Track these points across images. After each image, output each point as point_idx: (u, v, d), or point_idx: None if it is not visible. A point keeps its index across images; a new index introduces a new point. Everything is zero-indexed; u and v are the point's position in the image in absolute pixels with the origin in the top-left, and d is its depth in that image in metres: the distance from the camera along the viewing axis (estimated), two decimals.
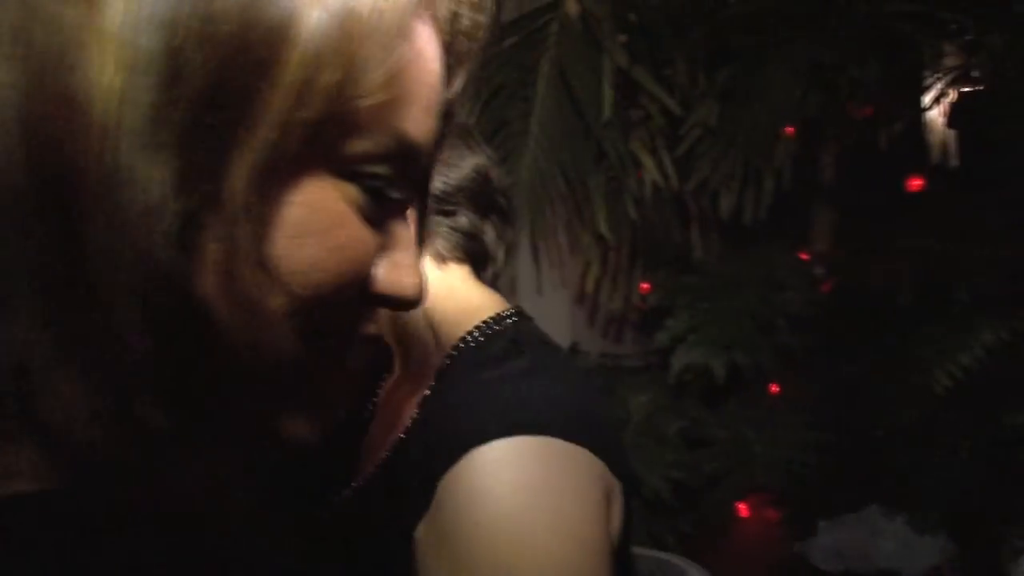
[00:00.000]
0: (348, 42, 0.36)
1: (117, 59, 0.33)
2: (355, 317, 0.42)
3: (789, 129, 2.14)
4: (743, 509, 2.23)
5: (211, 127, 0.34)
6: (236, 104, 0.35)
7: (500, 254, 1.09)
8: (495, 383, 0.90)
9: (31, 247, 0.33)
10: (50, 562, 0.34)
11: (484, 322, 0.98)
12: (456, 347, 0.96)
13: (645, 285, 2.28)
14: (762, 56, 1.91)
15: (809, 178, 2.32)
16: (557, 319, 2.47)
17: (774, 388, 2.11)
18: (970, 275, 1.92)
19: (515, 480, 0.70)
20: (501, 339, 0.98)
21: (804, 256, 2.18)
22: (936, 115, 2.17)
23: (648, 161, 2.02)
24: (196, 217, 0.34)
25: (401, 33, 0.38)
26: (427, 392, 0.95)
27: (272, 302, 0.37)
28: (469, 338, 0.96)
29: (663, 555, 1.32)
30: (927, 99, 2.08)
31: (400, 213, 0.42)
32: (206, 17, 0.34)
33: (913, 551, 1.84)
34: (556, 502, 0.76)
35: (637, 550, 1.39)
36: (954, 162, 2.17)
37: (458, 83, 0.43)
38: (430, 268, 1.03)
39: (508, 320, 1.02)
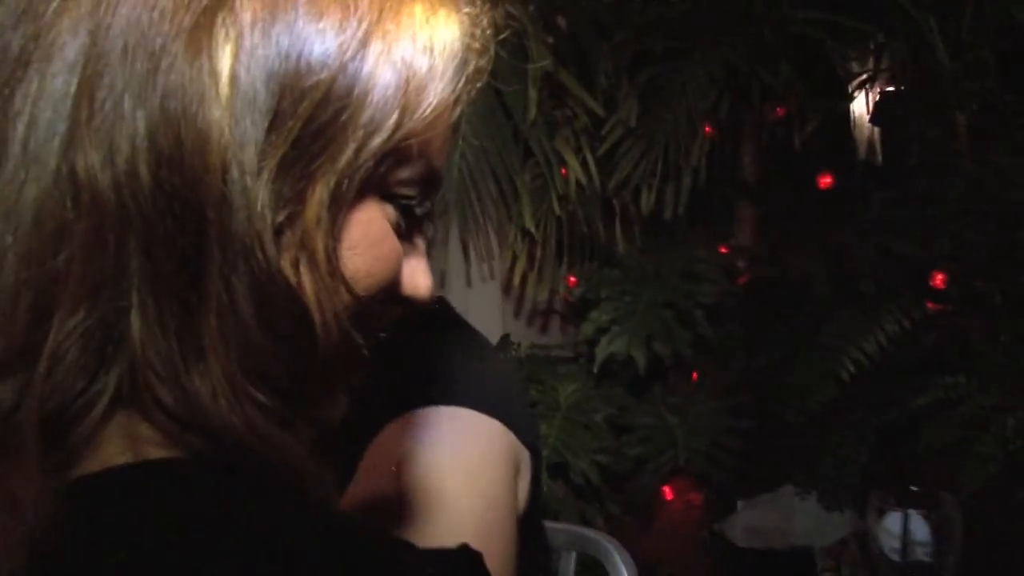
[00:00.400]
0: (408, 95, 0.46)
1: (229, 104, 0.42)
2: (382, 317, 0.51)
3: (708, 129, 2.25)
4: (667, 492, 2.33)
5: (299, 160, 0.44)
6: (320, 143, 0.44)
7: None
8: (411, 358, 1.00)
9: (158, 256, 0.41)
10: (175, 520, 0.41)
11: None
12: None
13: (572, 279, 2.37)
14: (680, 60, 2.00)
15: (731, 176, 2.43)
16: (489, 312, 2.54)
17: (695, 376, 2.22)
18: (875, 268, 2.05)
19: (431, 444, 0.77)
20: (418, 319, 1.07)
21: (724, 250, 2.28)
22: (862, 113, 2.29)
23: (572, 160, 2.10)
24: (284, 229, 0.44)
25: (445, 85, 0.47)
26: None
27: (339, 301, 0.46)
28: None
29: (588, 532, 1.40)
30: (855, 96, 2.20)
31: (419, 226, 0.51)
32: (299, 74, 0.43)
33: (824, 527, 1.95)
34: (466, 465, 0.84)
35: (564, 526, 1.48)
36: (878, 158, 2.30)
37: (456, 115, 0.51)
38: None
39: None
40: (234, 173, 0.42)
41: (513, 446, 1.00)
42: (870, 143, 2.22)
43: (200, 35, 0.42)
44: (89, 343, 0.42)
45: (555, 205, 2.12)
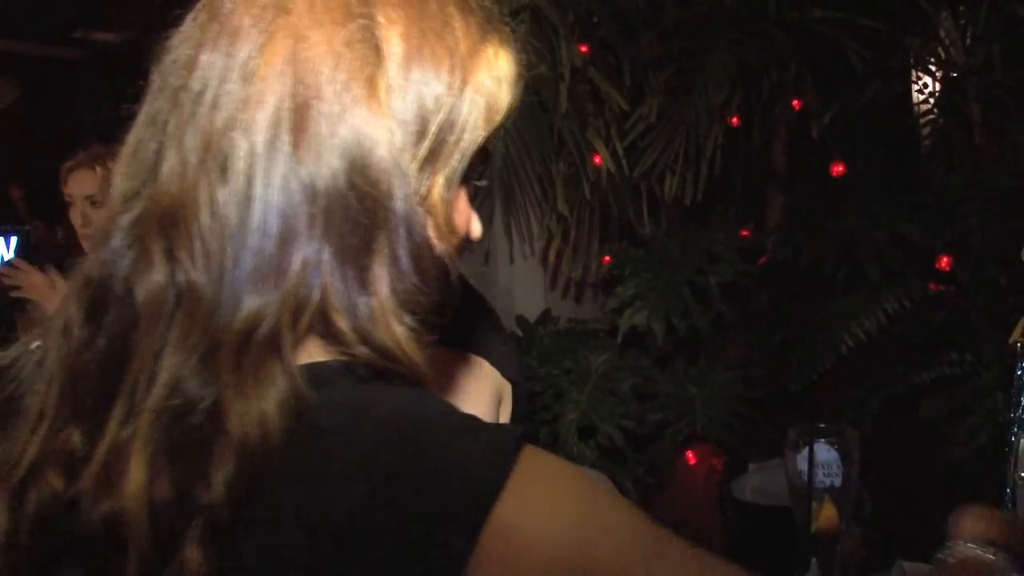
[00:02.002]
0: (489, 114, 0.70)
1: (391, 129, 0.66)
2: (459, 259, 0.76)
3: (735, 120, 2.42)
4: (690, 456, 2.52)
5: (429, 164, 0.67)
6: (441, 154, 0.68)
7: None
8: None
9: (346, 231, 0.65)
10: (363, 381, 0.67)
11: None
12: None
13: (607, 258, 2.57)
14: (699, 58, 2.18)
15: (762, 164, 2.60)
16: (531, 286, 2.78)
17: (713, 349, 2.40)
18: (882, 251, 2.19)
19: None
20: None
21: (745, 233, 2.45)
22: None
23: (602, 149, 2.30)
24: (424, 202, 0.67)
25: (510, 100, 0.72)
26: None
27: (450, 247, 0.70)
28: None
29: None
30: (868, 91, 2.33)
31: (474, 192, 0.76)
32: (428, 107, 0.67)
33: None
34: (452, 394, 1.08)
35: None
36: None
37: None
38: None
39: None
40: (398, 175, 0.65)
41: (494, 379, 1.28)
42: (888, 133, 2.36)
43: (370, 82, 0.66)
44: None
45: (586, 190, 2.32)
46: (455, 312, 1.26)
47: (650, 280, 2.27)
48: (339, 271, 0.66)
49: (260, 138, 0.64)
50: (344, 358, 0.67)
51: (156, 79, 0.69)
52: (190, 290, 0.63)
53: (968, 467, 2.02)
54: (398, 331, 0.67)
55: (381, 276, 0.67)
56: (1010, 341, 1.65)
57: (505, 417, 1.34)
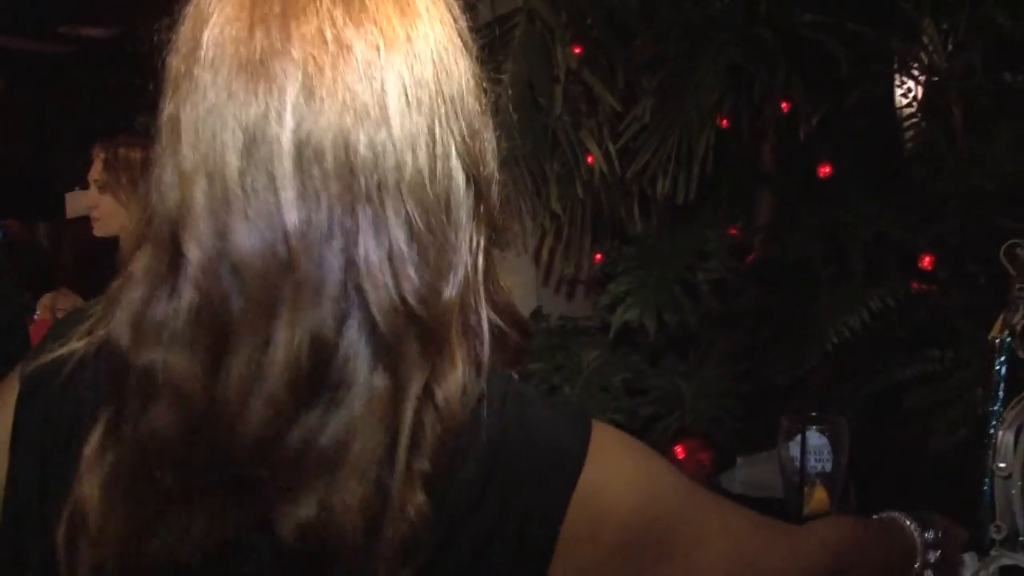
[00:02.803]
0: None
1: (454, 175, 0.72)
2: None
3: (724, 122, 2.48)
4: (679, 451, 2.58)
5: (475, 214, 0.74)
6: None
7: None
8: None
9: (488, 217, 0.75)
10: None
11: None
12: None
13: (598, 256, 2.63)
14: (691, 60, 2.24)
15: (750, 163, 2.66)
16: (523, 282, 2.83)
17: (703, 346, 2.46)
18: (867, 250, 2.25)
19: None
20: None
21: (734, 231, 2.51)
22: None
23: (595, 149, 2.35)
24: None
25: None
26: None
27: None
28: None
29: None
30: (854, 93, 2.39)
31: None
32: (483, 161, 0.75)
33: None
34: None
35: None
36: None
37: None
38: None
39: None
40: (492, 180, 0.74)
41: None
42: (873, 135, 2.42)
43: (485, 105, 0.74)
44: None
45: (579, 190, 2.38)
46: None
47: (641, 277, 2.32)
48: (486, 252, 0.75)
49: (423, 146, 0.69)
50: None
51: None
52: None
53: (949, 459, 2.09)
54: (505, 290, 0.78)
55: (492, 259, 0.77)
56: (989, 337, 1.72)
57: None
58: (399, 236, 0.67)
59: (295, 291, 0.65)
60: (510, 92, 2.37)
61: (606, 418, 2.42)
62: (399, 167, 0.67)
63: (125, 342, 0.69)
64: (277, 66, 0.66)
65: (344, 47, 0.66)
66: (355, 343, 0.66)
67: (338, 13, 0.67)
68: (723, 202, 2.53)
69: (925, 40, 2.36)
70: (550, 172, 2.39)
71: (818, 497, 1.28)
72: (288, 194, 0.65)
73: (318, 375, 0.66)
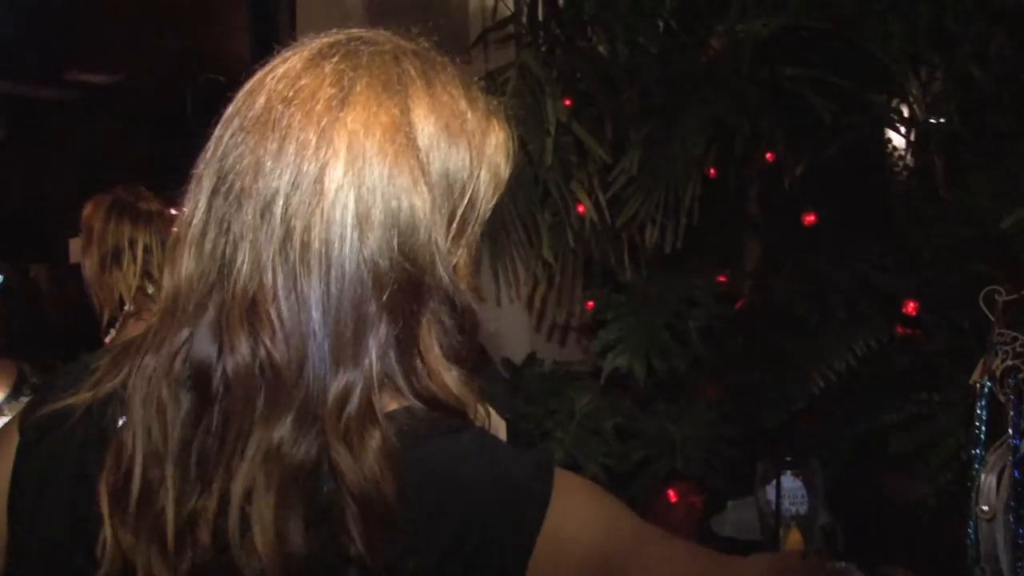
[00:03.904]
0: (496, 184, 0.87)
1: (431, 215, 0.79)
2: None
3: (712, 171, 2.55)
4: (672, 495, 2.62)
5: (456, 233, 0.82)
6: (462, 223, 0.83)
7: None
8: None
9: (406, 306, 0.80)
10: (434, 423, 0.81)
11: None
12: None
13: (590, 303, 2.68)
14: (676, 114, 2.31)
15: (737, 212, 2.73)
16: (518, 332, 2.88)
17: (693, 390, 2.50)
18: (850, 295, 2.31)
19: None
20: None
21: (722, 278, 2.57)
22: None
23: (586, 199, 2.42)
24: (455, 270, 0.81)
25: (509, 169, 0.89)
26: None
27: (471, 297, 0.84)
28: None
29: None
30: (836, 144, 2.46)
31: None
32: (453, 185, 0.82)
33: None
34: None
35: None
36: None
37: None
38: None
39: None
40: (438, 252, 0.78)
41: (494, 419, 1.40)
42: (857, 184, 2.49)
43: (412, 171, 0.78)
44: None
45: (569, 239, 2.44)
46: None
47: (631, 324, 2.37)
48: (402, 342, 0.79)
49: (335, 232, 0.75)
50: (410, 406, 0.81)
51: (211, 176, 0.79)
52: (274, 369, 0.73)
53: (934, 501, 2.12)
54: (449, 381, 0.83)
55: (430, 339, 0.81)
56: (970, 381, 1.77)
57: None
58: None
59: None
60: None
61: (597, 462, 2.46)
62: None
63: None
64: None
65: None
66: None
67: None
68: (711, 249, 2.59)
69: (908, 93, 2.44)
70: (541, 222, 2.45)
71: (793, 539, 1.32)
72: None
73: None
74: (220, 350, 0.75)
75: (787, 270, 2.44)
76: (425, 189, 0.79)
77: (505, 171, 0.88)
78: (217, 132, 0.80)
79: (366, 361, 0.77)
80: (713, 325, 2.38)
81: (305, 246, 0.75)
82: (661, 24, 2.57)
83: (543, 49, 2.62)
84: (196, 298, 0.77)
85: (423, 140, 0.80)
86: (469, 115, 0.85)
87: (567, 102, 2.47)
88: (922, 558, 2.14)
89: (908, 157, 2.47)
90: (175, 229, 0.79)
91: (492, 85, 2.51)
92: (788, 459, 1.36)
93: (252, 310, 0.75)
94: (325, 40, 0.83)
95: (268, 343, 0.74)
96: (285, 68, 0.80)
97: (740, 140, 2.21)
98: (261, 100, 0.78)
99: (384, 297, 0.77)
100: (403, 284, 0.78)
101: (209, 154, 0.79)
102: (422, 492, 0.76)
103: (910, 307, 2.34)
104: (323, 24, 2.77)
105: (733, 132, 2.26)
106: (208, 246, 0.77)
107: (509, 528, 0.78)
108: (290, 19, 2.60)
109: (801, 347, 2.31)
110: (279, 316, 0.74)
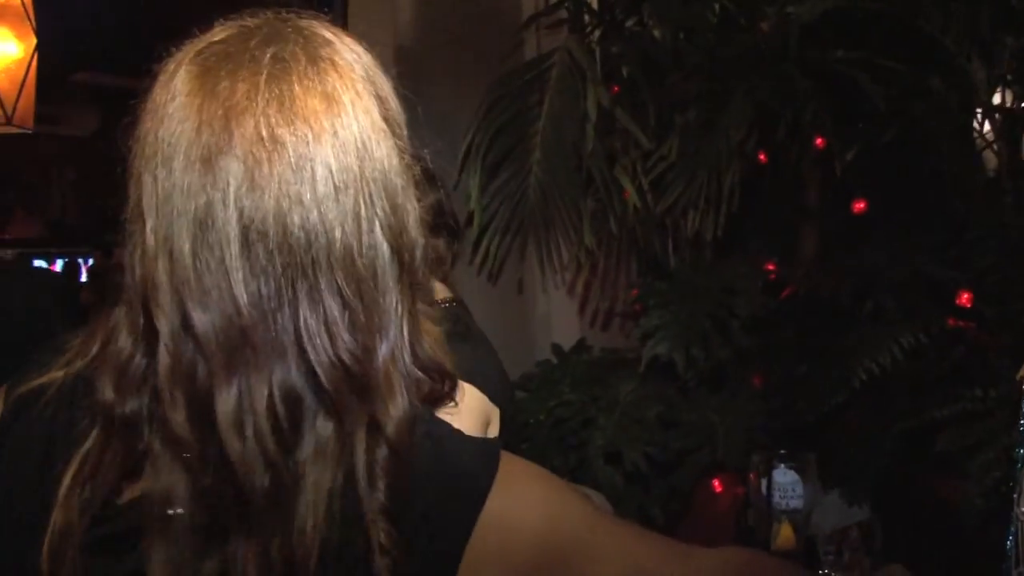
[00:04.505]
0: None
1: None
2: None
3: (762, 156, 2.50)
4: (716, 485, 2.58)
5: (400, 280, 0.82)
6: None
7: (449, 259, 1.60)
8: None
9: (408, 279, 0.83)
10: None
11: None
12: None
13: (635, 290, 2.66)
14: (719, 100, 2.26)
15: (789, 200, 2.66)
16: (569, 318, 2.88)
17: (737, 380, 2.46)
18: (901, 286, 2.23)
19: None
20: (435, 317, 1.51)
21: (771, 266, 2.51)
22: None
23: (629, 186, 2.39)
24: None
25: None
26: None
27: None
28: None
29: (578, 488, 1.71)
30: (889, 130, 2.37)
31: None
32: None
33: (827, 517, 2.16)
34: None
35: None
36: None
37: None
38: None
39: (447, 305, 1.53)
40: (416, 248, 0.81)
41: (483, 404, 1.41)
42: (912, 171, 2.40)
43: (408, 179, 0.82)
44: None
45: (612, 225, 2.42)
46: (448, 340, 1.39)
47: (672, 312, 2.34)
48: (406, 313, 0.82)
49: (349, 224, 0.77)
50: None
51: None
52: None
53: (980, 502, 2.04)
54: (428, 343, 0.86)
55: (416, 303, 0.84)
56: (1017, 377, 1.70)
57: (494, 434, 1.45)
58: (332, 304, 0.76)
59: (254, 355, 0.75)
60: (546, 130, 2.44)
61: (639, 451, 2.44)
62: (329, 244, 0.76)
63: (109, 393, 0.79)
64: (222, 162, 0.75)
65: (278, 143, 0.76)
66: (305, 396, 0.76)
67: (272, 112, 0.76)
68: (760, 237, 2.54)
69: (968, 75, 2.34)
70: (584, 208, 2.44)
71: (784, 534, 1.29)
72: (238, 273, 0.75)
73: (292, 425, 0.76)
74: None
75: (834, 259, 2.38)
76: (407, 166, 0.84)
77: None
78: None
79: (392, 329, 0.80)
80: (757, 314, 2.34)
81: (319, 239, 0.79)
82: (717, 6, 2.51)
83: (596, 33, 2.60)
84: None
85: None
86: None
87: (615, 89, 2.45)
88: (965, 560, 2.06)
89: (970, 144, 2.37)
90: None
91: (538, 71, 2.51)
92: (783, 452, 1.33)
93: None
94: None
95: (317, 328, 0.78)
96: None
97: (783, 126, 2.16)
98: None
99: (387, 262, 0.81)
100: (399, 253, 0.81)
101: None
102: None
103: (964, 298, 2.26)
104: (374, 8, 2.79)
105: (777, 118, 2.21)
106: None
107: (447, 512, 0.79)
108: (343, 3, 2.64)
109: (846, 338, 2.24)
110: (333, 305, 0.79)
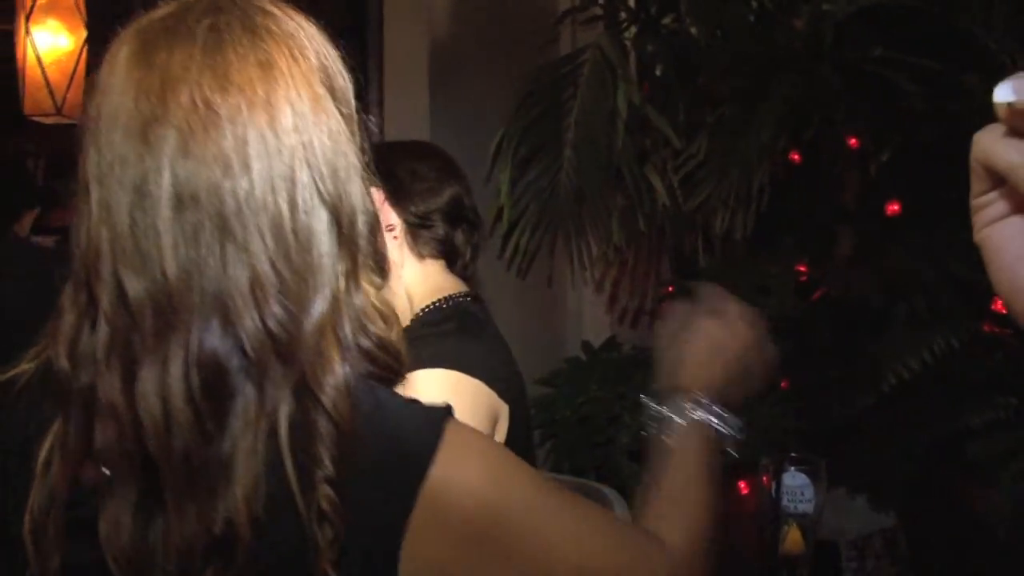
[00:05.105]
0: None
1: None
2: None
3: (796, 155, 2.46)
4: (743, 487, 2.56)
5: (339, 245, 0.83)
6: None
7: (468, 253, 1.61)
8: (431, 336, 1.43)
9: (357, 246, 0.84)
10: None
11: (441, 299, 1.53)
12: (419, 311, 1.51)
13: (670, 287, 2.65)
14: (750, 99, 2.24)
15: (828, 200, 2.62)
16: (600, 315, 2.87)
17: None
18: (935, 290, 2.19)
19: (426, 394, 0.97)
20: (447, 310, 1.52)
21: (803, 267, 2.48)
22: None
23: (658, 183, 2.38)
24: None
25: None
26: None
27: None
28: (428, 307, 1.50)
29: (588, 483, 1.72)
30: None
31: None
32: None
33: (850, 523, 2.14)
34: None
35: (567, 478, 1.80)
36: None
37: None
38: (411, 262, 1.54)
39: (461, 299, 1.55)
40: (356, 213, 0.82)
41: (491, 400, 1.42)
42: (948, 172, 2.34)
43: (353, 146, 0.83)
44: None
45: (640, 224, 2.41)
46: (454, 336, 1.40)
47: None
48: (351, 280, 0.82)
49: (282, 191, 0.78)
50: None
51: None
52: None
53: (1009, 512, 2.00)
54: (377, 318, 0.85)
55: (364, 279, 0.83)
56: None
57: (502, 432, 1.45)
58: (261, 271, 0.77)
59: (179, 320, 0.76)
60: (577, 126, 2.44)
61: None
62: (260, 210, 0.77)
63: (65, 367, 0.81)
64: (158, 131, 0.77)
65: (212, 111, 0.77)
66: (230, 363, 0.77)
67: (206, 81, 0.78)
68: (792, 237, 2.50)
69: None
70: (612, 206, 2.44)
71: (792, 538, 1.28)
72: (167, 239, 0.76)
73: (210, 391, 0.76)
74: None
75: (870, 261, 2.34)
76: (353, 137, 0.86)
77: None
78: None
79: (335, 294, 0.81)
80: (789, 315, 2.31)
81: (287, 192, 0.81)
82: (755, 3, 2.48)
83: (630, 29, 2.58)
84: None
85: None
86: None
87: (646, 87, 2.44)
88: (992, 570, 2.02)
89: None
90: None
91: (569, 67, 2.51)
92: (793, 455, 1.31)
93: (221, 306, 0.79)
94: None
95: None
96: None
97: (815, 125, 2.13)
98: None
99: (340, 236, 0.82)
100: (338, 218, 0.82)
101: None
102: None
103: (1000, 304, 2.20)
104: (408, 1, 2.77)
105: (808, 117, 2.17)
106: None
107: (390, 480, 0.79)
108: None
109: (877, 342, 2.21)
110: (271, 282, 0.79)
